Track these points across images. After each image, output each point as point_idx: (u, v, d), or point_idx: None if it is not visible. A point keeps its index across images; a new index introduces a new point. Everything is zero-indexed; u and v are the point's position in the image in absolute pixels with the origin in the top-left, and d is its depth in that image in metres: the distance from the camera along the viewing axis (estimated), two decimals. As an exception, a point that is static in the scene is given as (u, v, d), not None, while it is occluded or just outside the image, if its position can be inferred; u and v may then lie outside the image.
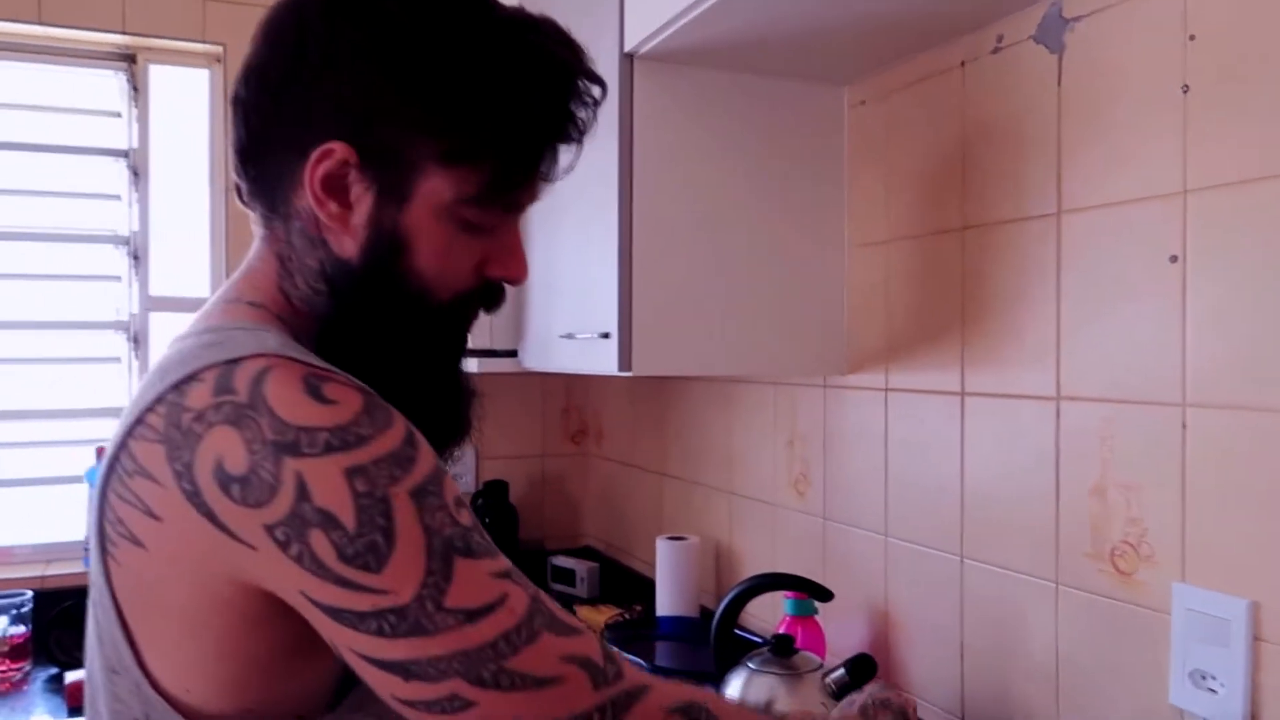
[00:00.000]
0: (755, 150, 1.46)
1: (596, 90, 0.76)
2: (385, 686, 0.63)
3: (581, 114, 0.76)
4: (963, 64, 1.30)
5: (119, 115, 2.30)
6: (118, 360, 2.28)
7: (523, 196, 0.77)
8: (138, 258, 2.28)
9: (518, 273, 0.79)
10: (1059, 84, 1.16)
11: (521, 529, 2.45)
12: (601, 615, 2.04)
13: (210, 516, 0.62)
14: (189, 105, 2.33)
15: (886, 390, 1.45)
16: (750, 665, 1.29)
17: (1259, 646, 0.93)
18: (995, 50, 1.25)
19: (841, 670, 1.23)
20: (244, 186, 0.77)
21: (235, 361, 0.65)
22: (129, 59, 2.28)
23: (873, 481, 1.48)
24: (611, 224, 1.40)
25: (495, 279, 0.78)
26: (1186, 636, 0.99)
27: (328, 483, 0.60)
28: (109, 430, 2.36)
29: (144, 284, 2.28)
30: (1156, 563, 1.03)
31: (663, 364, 1.42)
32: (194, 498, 0.62)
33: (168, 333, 2.29)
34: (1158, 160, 1.04)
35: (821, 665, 1.29)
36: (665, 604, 1.90)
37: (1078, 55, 1.13)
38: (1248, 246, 0.95)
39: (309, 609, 0.63)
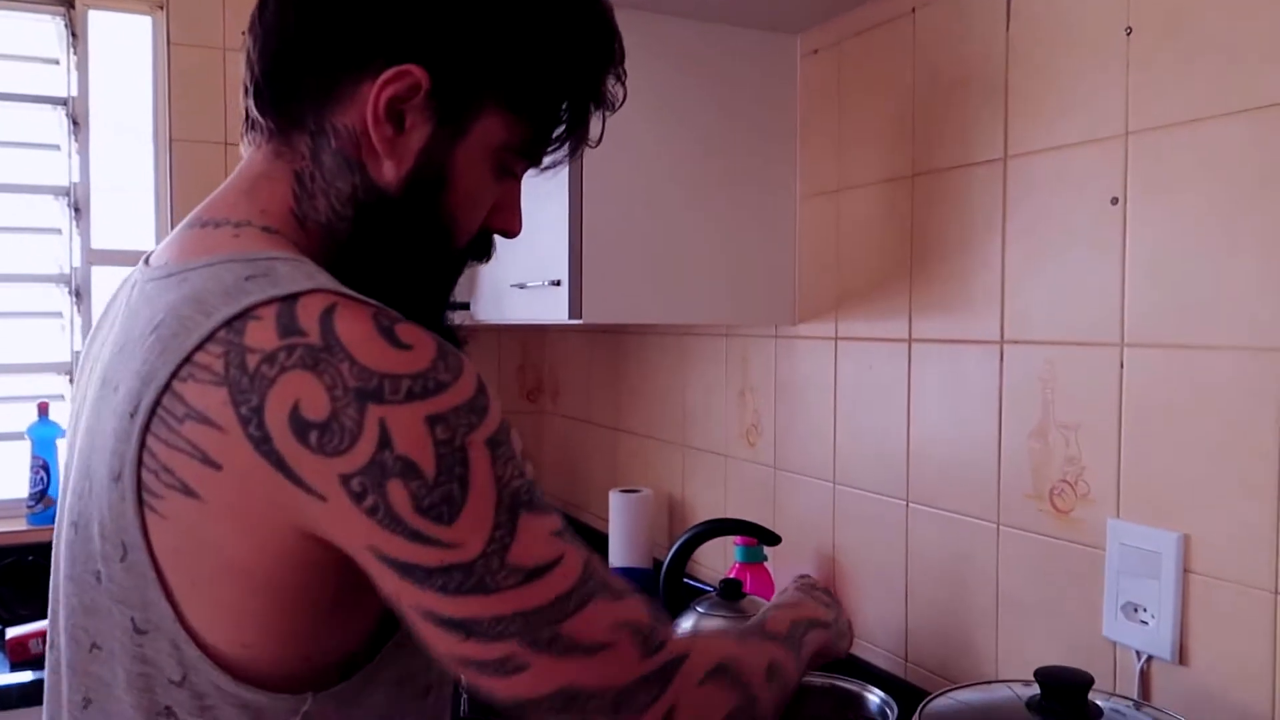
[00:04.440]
0: (707, 98, 1.45)
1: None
2: (444, 644, 0.62)
3: (617, 90, 0.79)
4: (914, 10, 1.30)
5: (57, 62, 2.23)
6: (59, 315, 2.23)
7: (554, 156, 0.80)
8: (79, 210, 2.22)
9: (516, 227, 0.81)
10: (1007, 29, 1.16)
11: (476, 486, 2.44)
12: (555, 569, 2.04)
13: (280, 465, 0.59)
14: (130, 53, 2.26)
15: (836, 339, 1.46)
16: (699, 609, 1.30)
17: (1188, 579, 0.96)
18: (945, -5, 1.25)
19: (788, 612, 1.24)
20: (266, 95, 0.72)
21: (294, 297, 0.61)
22: (67, 4, 2.21)
23: (822, 430, 1.49)
24: (562, 170, 1.38)
25: (493, 229, 0.80)
26: (1120, 570, 1.01)
27: (410, 430, 0.58)
28: (51, 386, 2.28)
29: (85, 237, 2.22)
30: (1093, 500, 1.06)
31: (613, 311, 1.42)
32: (262, 444, 0.59)
33: (111, 286, 2.24)
34: (1101, 103, 1.05)
35: (769, 608, 1.30)
36: (618, 556, 1.91)
37: (1025, -1, 1.14)
38: (1187, 187, 0.96)
39: (374, 564, 0.60)
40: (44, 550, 2.01)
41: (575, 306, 1.38)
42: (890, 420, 1.35)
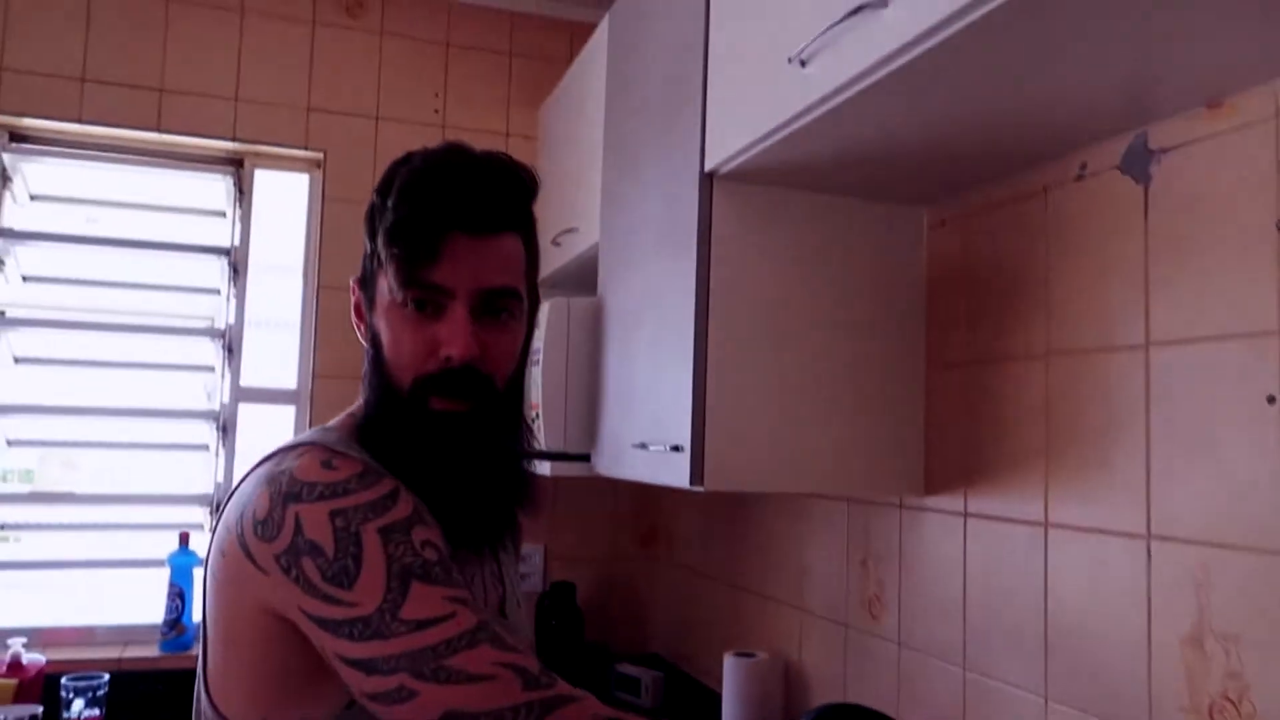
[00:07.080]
0: (833, 268, 1.46)
1: (468, 186, 0.91)
2: (354, 681, 0.78)
3: (451, 208, 0.91)
4: (1045, 190, 1.29)
5: (224, 215, 2.43)
6: (206, 448, 2.36)
7: (434, 275, 0.90)
8: (231, 350, 2.38)
9: (455, 347, 0.91)
10: (1145, 215, 1.14)
11: (587, 632, 2.41)
12: (665, 730, 1.98)
13: (245, 550, 0.83)
14: (289, 207, 2.45)
15: (965, 515, 1.41)
16: (818, 804, 1.23)
17: (1378, 827, 0.86)
18: (1079, 178, 1.24)
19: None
20: None
21: (293, 448, 0.88)
22: (237, 163, 2.42)
23: (951, 609, 1.42)
24: (687, 337, 1.41)
25: (445, 357, 0.91)
26: (1295, 809, 0.92)
27: (316, 521, 0.80)
28: (193, 516, 2.39)
29: (236, 375, 2.37)
30: (1260, 724, 0.97)
31: (735, 480, 1.41)
32: (240, 539, 0.83)
33: (255, 422, 2.37)
34: (1251, 297, 1.01)
35: (894, 808, 1.23)
36: (731, 723, 1.84)
37: (1165, 187, 1.12)
38: (1352, 391, 0.91)
39: (303, 620, 0.80)
40: (173, 679, 2.08)
41: (697, 474, 1.38)
42: (1027, 607, 1.28)
